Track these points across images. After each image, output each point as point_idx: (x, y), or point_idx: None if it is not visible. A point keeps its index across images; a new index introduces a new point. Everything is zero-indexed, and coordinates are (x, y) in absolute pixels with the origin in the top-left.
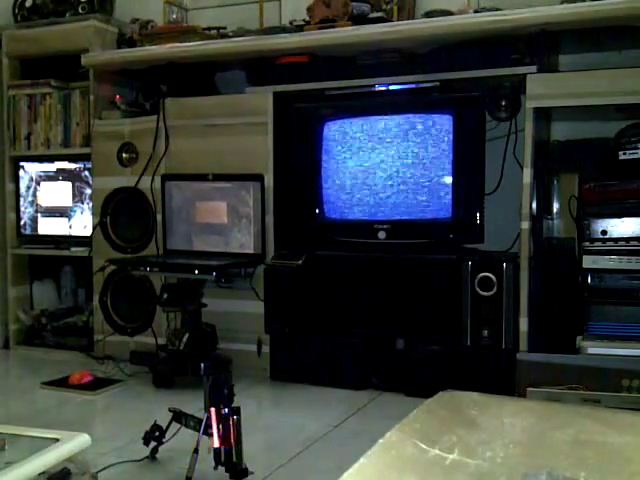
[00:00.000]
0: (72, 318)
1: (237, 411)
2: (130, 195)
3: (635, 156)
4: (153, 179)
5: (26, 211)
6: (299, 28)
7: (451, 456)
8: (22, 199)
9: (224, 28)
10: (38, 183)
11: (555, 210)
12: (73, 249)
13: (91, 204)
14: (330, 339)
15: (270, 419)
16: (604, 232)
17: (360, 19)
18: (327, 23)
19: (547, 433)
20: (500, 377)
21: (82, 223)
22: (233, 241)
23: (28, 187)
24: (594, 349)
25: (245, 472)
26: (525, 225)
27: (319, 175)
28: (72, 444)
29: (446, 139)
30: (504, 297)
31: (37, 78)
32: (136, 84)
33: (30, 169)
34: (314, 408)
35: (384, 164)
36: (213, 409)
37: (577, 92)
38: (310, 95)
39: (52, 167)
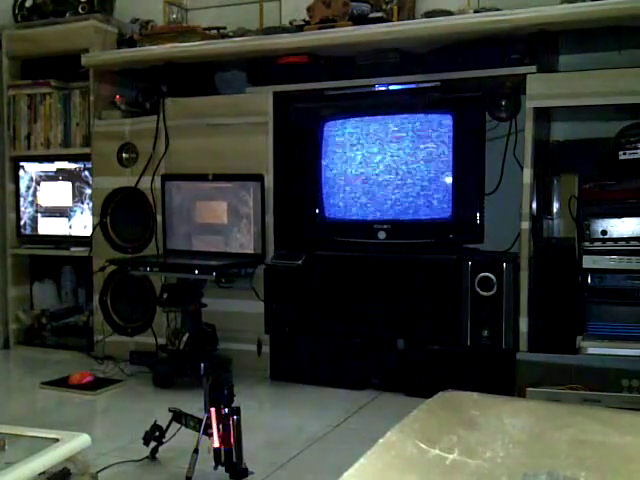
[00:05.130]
0: (72, 318)
1: (237, 411)
2: (130, 195)
3: (635, 156)
4: (153, 179)
5: (26, 211)
6: (299, 28)
7: (451, 456)
8: (22, 199)
9: (224, 28)
10: (38, 183)
11: (555, 210)
12: (73, 249)
13: (91, 204)
14: (330, 339)
15: (270, 419)
16: (604, 232)
17: (360, 19)
18: (327, 23)
19: (547, 433)
20: (500, 377)
21: (82, 223)
22: (233, 241)
23: (28, 187)
24: (594, 349)
25: (245, 472)
26: (525, 225)
27: (319, 175)
28: (72, 444)
29: (446, 139)
30: (504, 297)
31: (37, 78)
32: (136, 84)
33: (30, 169)
34: (314, 408)
35: (384, 164)
36: (213, 409)
37: (577, 92)
38: (310, 95)
39: (52, 167)
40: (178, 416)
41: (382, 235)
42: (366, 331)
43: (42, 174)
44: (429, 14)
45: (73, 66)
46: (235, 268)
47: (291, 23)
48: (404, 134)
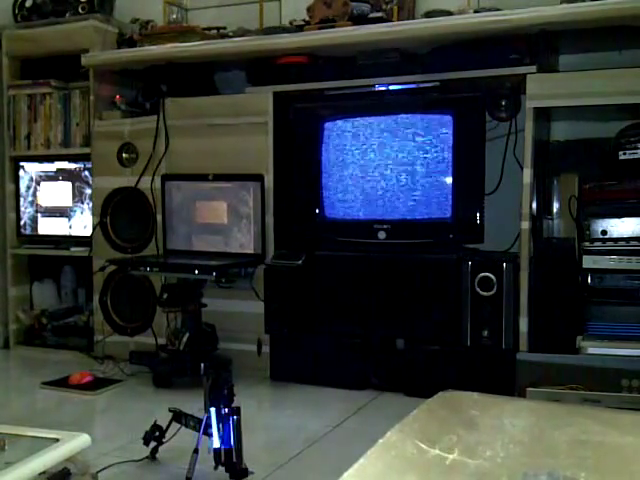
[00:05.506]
0: (72, 318)
1: (237, 411)
2: (130, 195)
3: (635, 156)
4: (153, 179)
5: (26, 211)
6: (299, 28)
7: (451, 456)
8: (22, 199)
9: (224, 28)
10: (38, 183)
11: (555, 210)
12: (73, 249)
13: (91, 204)
14: (330, 339)
15: (270, 419)
16: (604, 232)
17: (360, 19)
18: (327, 23)
19: (547, 433)
20: (500, 377)
21: (82, 223)
22: (233, 241)
23: (28, 187)
24: (594, 349)
25: (245, 472)
26: (525, 225)
27: (319, 175)
28: (72, 444)
29: (446, 139)
30: (504, 297)
31: (37, 78)
32: (136, 84)
33: (30, 169)
34: (314, 408)
35: (384, 164)
36: (213, 409)
37: (577, 92)
38: (310, 95)
39: (52, 167)
40: (178, 416)
41: (382, 235)
42: (366, 331)
43: (42, 174)
44: (429, 14)
45: (73, 66)
46: (235, 268)
47: (291, 23)
48: (404, 134)
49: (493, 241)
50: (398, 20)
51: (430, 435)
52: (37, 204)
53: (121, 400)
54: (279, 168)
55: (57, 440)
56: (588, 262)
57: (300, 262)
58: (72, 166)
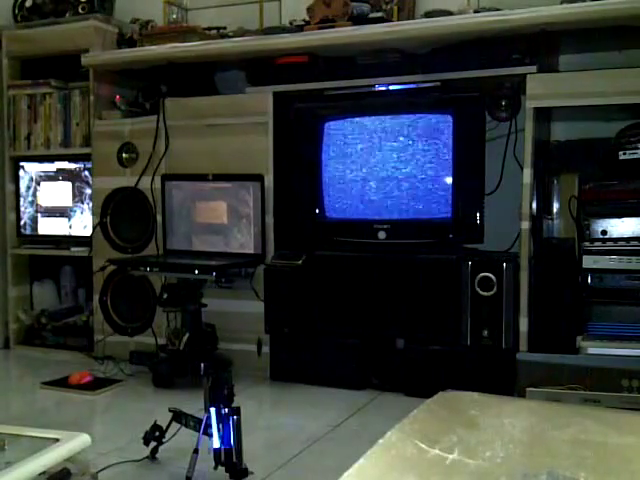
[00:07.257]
0: (72, 318)
1: (237, 411)
2: (130, 195)
3: (635, 156)
4: (153, 179)
5: (26, 211)
6: (299, 28)
7: (451, 456)
8: (22, 199)
9: (224, 28)
10: (38, 183)
11: (555, 210)
12: (73, 249)
13: (91, 204)
14: (330, 339)
15: (270, 419)
16: (604, 232)
17: (360, 19)
18: (327, 23)
19: (547, 433)
20: (500, 377)
21: (82, 223)
22: (233, 241)
23: (28, 187)
24: (594, 349)
25: (245, 472)
26: (525, 225)
27: (319, 175)
28: (72, 444)
29: (446, 139)
30: (504, 297)
31: (37, 78)
32: (136, 84)
33: (30, 169)
34: (314, 408)
35: (384, 164)
36: (213, 409)
37: (577, 92)
38: (310, 95)
39: (52, 167)
40: (178, 416)
41: (382, 235)
42: (366, 331)
43: (42, 174)
44: (429, 14)
45: (73, 66)
46: (235, 268)
47: (291, 23)
48: (404, 134)
49: (493, 241)
50: (398, 20)
51: (430, 435)
52: (37, 204)
53: (121, 400)
54: (279, 168)
55: (57, 440)
56: (588, 262)
57: (300, 262)
58: (72, 166)
